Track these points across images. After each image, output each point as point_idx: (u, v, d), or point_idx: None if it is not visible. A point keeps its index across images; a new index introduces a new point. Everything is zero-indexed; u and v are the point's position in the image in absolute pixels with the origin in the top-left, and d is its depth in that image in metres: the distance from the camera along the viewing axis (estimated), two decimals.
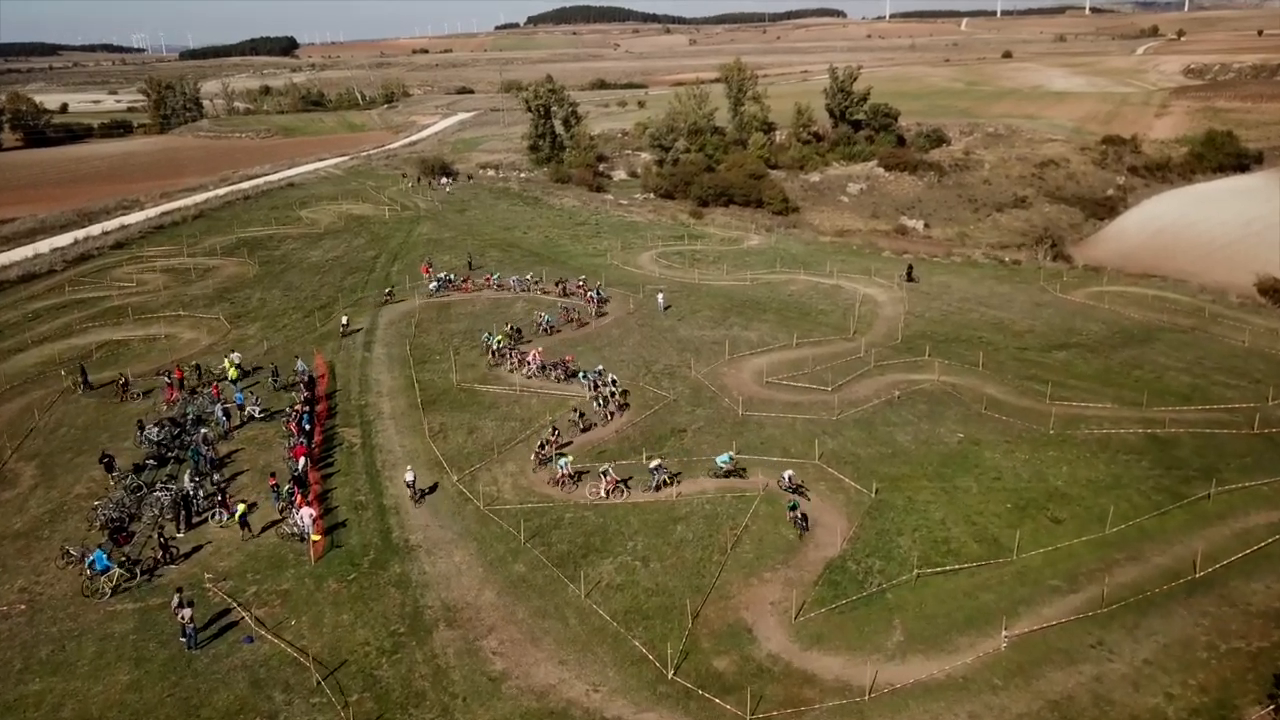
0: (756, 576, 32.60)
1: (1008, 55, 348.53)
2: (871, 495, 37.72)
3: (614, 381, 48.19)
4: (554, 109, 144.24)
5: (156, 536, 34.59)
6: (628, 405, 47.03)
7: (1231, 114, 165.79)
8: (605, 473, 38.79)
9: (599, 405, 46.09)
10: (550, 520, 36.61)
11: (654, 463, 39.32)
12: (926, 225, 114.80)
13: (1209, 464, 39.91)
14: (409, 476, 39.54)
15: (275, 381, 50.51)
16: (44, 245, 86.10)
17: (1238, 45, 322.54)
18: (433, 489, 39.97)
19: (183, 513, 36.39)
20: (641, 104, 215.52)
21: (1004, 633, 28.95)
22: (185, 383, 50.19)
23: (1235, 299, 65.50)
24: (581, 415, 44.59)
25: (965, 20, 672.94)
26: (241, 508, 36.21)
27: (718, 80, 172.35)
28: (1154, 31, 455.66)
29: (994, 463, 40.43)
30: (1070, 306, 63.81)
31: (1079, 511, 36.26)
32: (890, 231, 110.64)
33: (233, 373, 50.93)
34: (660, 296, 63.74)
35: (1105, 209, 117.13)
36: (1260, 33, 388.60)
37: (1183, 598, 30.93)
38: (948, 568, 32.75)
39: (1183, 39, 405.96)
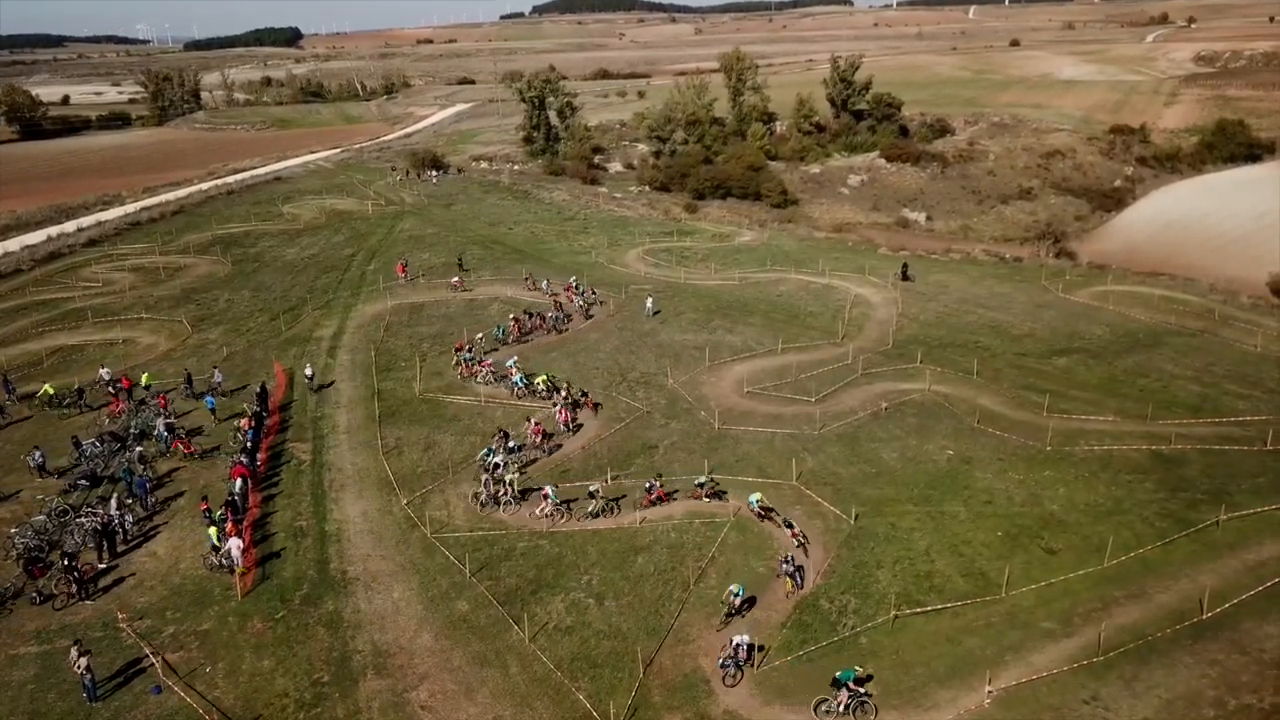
0: (719, 617, 29.71)
1: (1015, 43, 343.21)
2: (851, 521, 34.80)
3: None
4: (549, 100, 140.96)
5: (69, 568, 31.74)
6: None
7: (1243, 102, 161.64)
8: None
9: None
10: (501, 550, 33.80)
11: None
12: (929, 218, 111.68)
13: (1218, 485, 36.86)
14: (308, 372, 48.77)
15: (189, 390, 47.72)
16: (14, 243, 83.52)
17: (1249, 32, 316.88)
18: (330, 385, 48.41)
19: (104, 542, 33.64)
20: (642, 94, 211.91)
21: (988, 687, 26.05)
22: (133, 393, 47.50)
23: (1246, 299, 62.22)
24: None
25: (973, 8, 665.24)
26: (213, 531, 33.38)
27: (717, 70, 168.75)
28: (1164, 19, 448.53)
29: (985, 484, 37.46)
30: (1073, 308, 60.66)
31: (1076, 541, 33.28)
32: (891, 225, 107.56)
33: (146, 378, 48.11)
34: (649, 301, 60.61)
35: (1113, 201, 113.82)
36: (1272, 19, 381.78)
37: (1188, 643, 27.95)
38: (929, 608, 29.80)
39: (1193, 26, 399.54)
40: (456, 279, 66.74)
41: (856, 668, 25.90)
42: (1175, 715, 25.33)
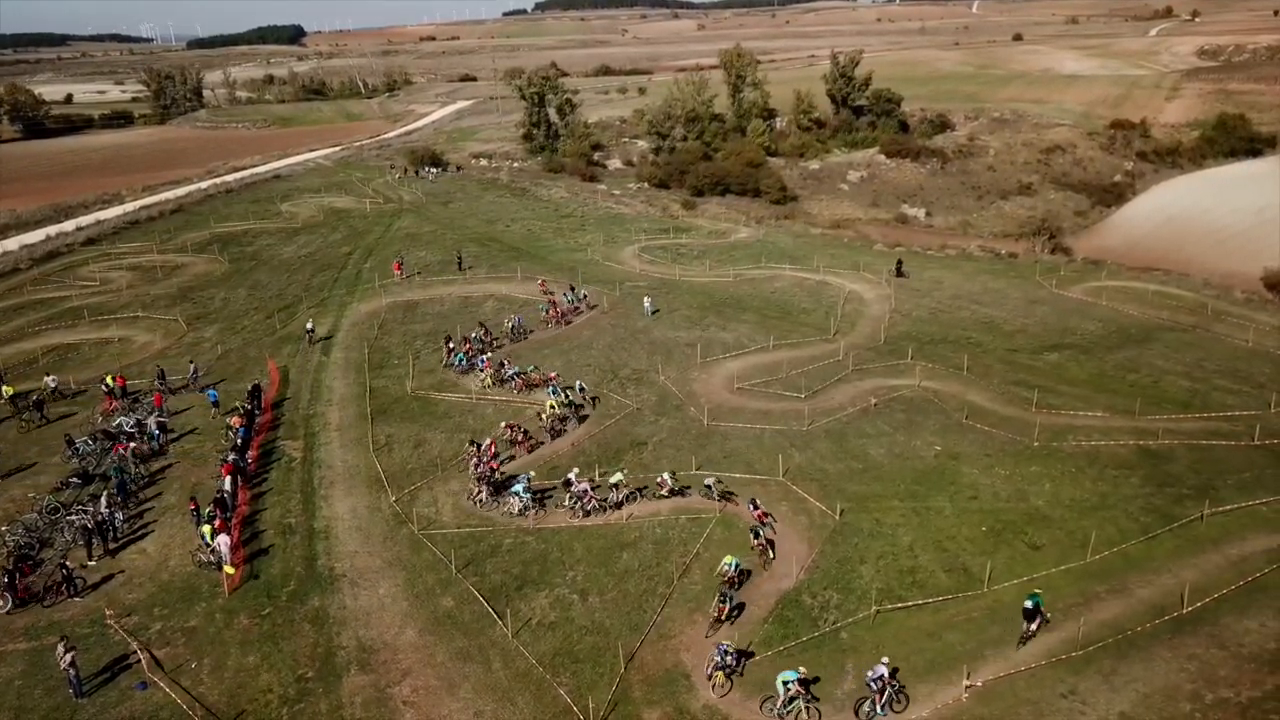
0: (702, 612, 29.85)
1: (1018, 38, 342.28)
2: (836, 517, 34.95)
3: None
4: (548, 97, 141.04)
5: (59, 566, 32.03)
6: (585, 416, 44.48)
7: (1244, 97, 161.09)
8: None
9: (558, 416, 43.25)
10: (487, 547, 34.00)
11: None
12: (928, 214, 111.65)
13: (1204, 481, 36.97)
14: (309, 325, 54.75)
15: (161, 384, 48.02)
16: (13, 242, 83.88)
17: (1253, 26, 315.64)
18: (328, 337, 53.55)
19: (96, 540, 33.88)
20: (642, 91, 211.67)
21: (965, 681, 26.19)
22: (127, 390, 47.77)
23: (1240, 294, 62.26)
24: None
25: (976, 3, 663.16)
26: (207, 529, 33.47)
27: (717, 66, 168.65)
28: (1168, 13, 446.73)
29: (972, 479, 37.57)
30: (1066, 303, 60.75)
31: (1059, 536, 33.41)
32: (891, 220, 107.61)
33: (109, 380, 47.64)
34: (647, 301, 60.10)
35: (1113, 196, 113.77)
36: (1276, 13, 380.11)
37: (1167, 638, 28.07)
38: (910, 603, 29.97)
39: (1197, 20, 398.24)
40: (541, 280, 63.54)
41: (1038, 590, 28.51)
42: (1152, 709, 25.45)
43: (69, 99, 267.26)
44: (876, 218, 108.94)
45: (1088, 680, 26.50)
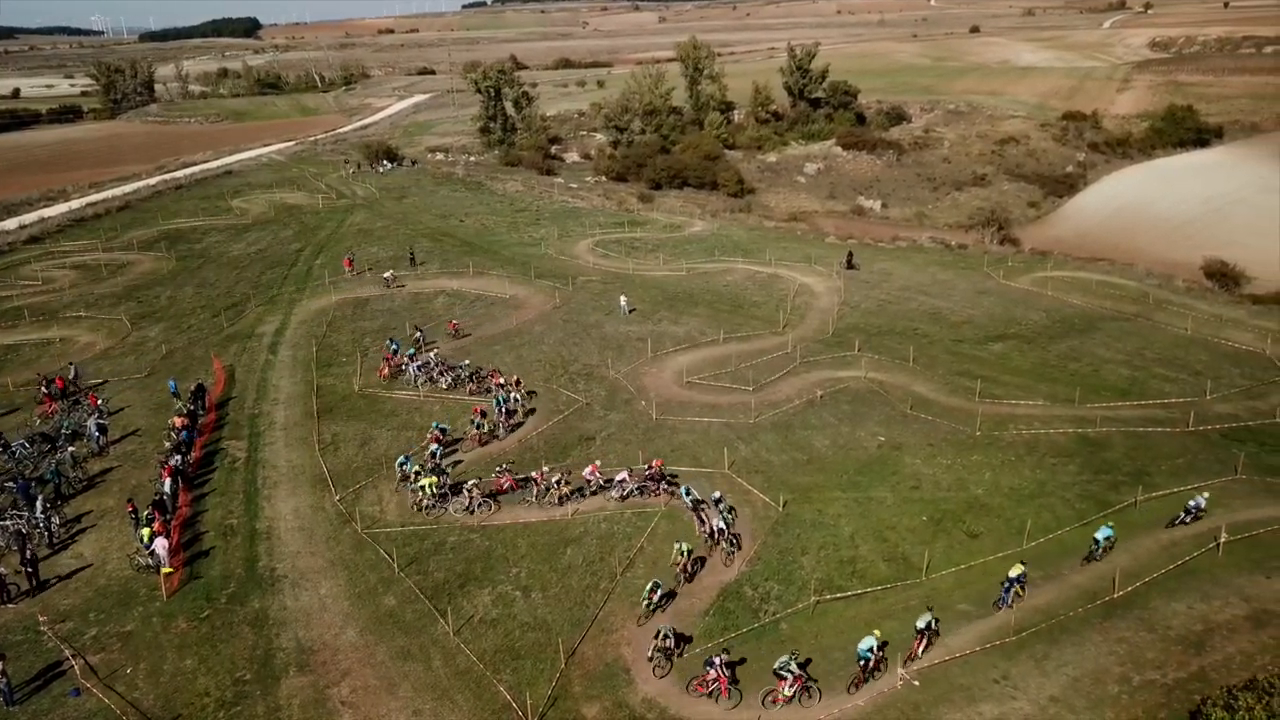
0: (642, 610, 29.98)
1: (975, 30, 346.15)
2: (779, 508, 35.23)
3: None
4: (504, 90, 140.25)
5: None
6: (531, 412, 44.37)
7: (1194, 88, 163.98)
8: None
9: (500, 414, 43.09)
10: (431, 545, 33.86)
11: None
12: (884, 205, 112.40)
13: (1139, 467, 37.78)
14: (386, 274, 63.67)
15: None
16: None
17: (1205, 18, 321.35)
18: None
19: (28, 545, 33.28)
20: (601, 84, 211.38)
21: (900, 670, 26.56)
22: (66, 392, 46.95)
23: (1182, 283, 63.54)
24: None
25: None
26: (146, 532, 32.95)
27: (675, 59, 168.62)
28: (1122, 5, 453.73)
29: (914, 470, 38.04)
30: (1013, 294, 61.58)
31: (997, 524, 33.95)
32: (847, 212, 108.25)
33: None
34: (623, 299, 59.13)
35: (1065, 186, 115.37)
36: (1226, 4, 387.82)
37: (1098, 622, 28.64)
38: (849, 593, 30.31)
39: (1150, 12, 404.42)
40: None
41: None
42: (1081, 692, 25.95)
43: (16, 94, 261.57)
44: (833, 210, 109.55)
45: (1020, 665, 26.98)
